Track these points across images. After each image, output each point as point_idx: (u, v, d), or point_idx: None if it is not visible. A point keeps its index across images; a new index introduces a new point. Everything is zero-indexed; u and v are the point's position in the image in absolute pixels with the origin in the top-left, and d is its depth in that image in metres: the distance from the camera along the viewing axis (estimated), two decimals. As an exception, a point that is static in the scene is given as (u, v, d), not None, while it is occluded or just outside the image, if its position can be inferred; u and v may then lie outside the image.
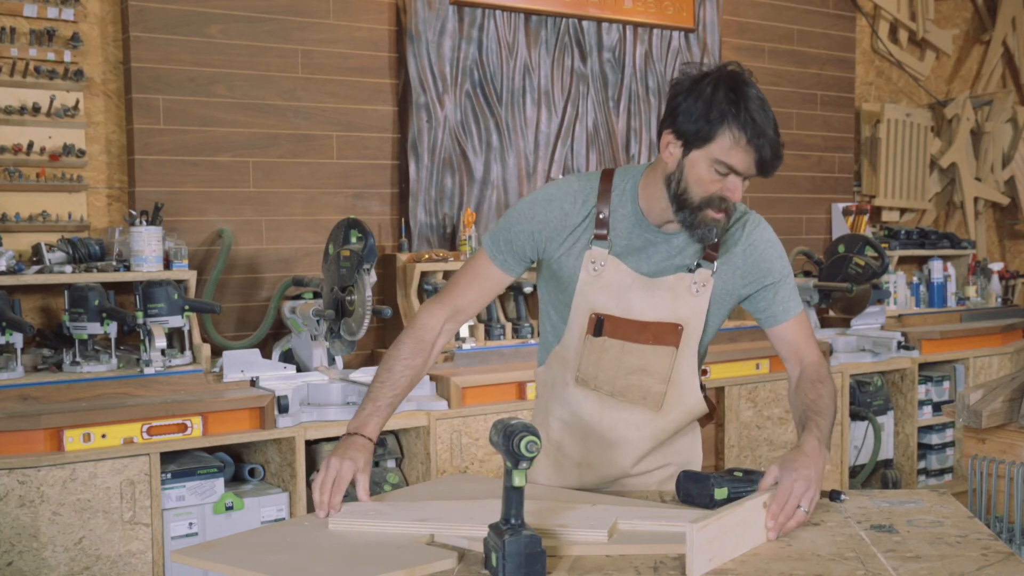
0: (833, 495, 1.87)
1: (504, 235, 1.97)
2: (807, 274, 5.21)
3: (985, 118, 6.33)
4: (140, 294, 3.34)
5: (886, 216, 6.04)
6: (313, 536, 1.65)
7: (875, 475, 4.95)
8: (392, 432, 3.64)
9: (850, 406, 4.74)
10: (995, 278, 6.00)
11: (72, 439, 2.94)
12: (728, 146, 1.76)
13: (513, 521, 1.45)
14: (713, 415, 2.11)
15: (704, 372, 3.71)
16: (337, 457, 1.79)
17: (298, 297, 3.80)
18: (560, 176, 3.58)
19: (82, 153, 3.61)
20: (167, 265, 3.54)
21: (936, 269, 5.67)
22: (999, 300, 6.02)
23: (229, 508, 3.24)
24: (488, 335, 3.99)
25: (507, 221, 1.97)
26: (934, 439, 5.19)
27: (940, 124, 6.32)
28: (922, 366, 5.10)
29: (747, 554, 1.56)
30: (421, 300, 3.98)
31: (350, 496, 1.79)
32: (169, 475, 3.13)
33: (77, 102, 3.61)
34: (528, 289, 4.04)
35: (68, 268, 3.37)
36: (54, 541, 2.89)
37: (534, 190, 2.14)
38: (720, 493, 1.79)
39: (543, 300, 2.07)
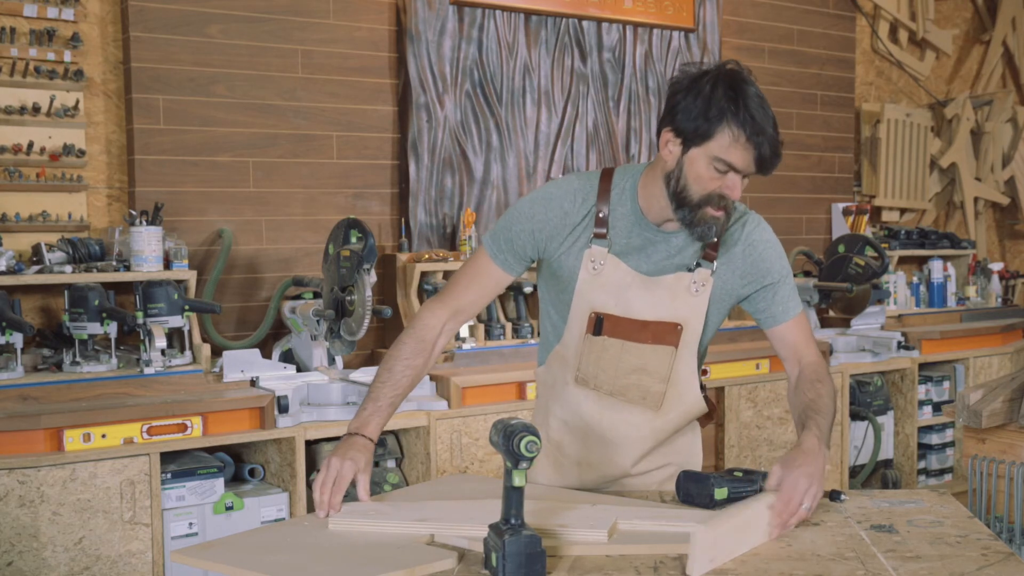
0: (833, 495, 1.87)
1: (504, 234, 1.97)
2: (807, 274, 5.21)
3: (985, 118, 6.33)
4: (140, 294, 3.34)
5: (886, 216, 6.04)
6: (313, 536, 1.65)
7: (875, 475, 4.95)
8: (392, 432, 3.64)
9: (850, 406, 4.74)
10: (995, 278, 6.00)
11: (72, 439, 2.94)
12: (727, 143, 1.77)
13: (513, 521, 1.45)
14: (713, 415, 2.11)
15: (704, 372, 3.71)
16: (338, 457, 1.79)
17: (298, 297, 3.80)
18: (560, 176, 3.58)
19: (82, 153, 3.61)
20: (167, 265, 3.54)
21: (936, 269, 5.67)
22: (999, 300, 6.02)
23: (229, 508, 3.24)
24: (488, 335, 4.00)
25: (507, 220, 1.97)
26: (934, 439, 5.19)
27: (940, 124, 6.32)
28: (922, 366, 5.10)
29: (747, 554, 1.56)
30: (421, 300, 3.98)
31: (350, 496, 1.79)
32: (169, 475, 3.13)
33: (77, 102, 3.61)
34: (528, 289, 4.04)
35: (68, 268, 3.37)
36: (54, 541, 2.89)
37: (534, 189, 2.14)
38: (720, 493, 1.79)
39: (543, 300, 2.07)
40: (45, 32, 3.55)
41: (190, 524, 3.18)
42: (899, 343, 4.91)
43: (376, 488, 3.41)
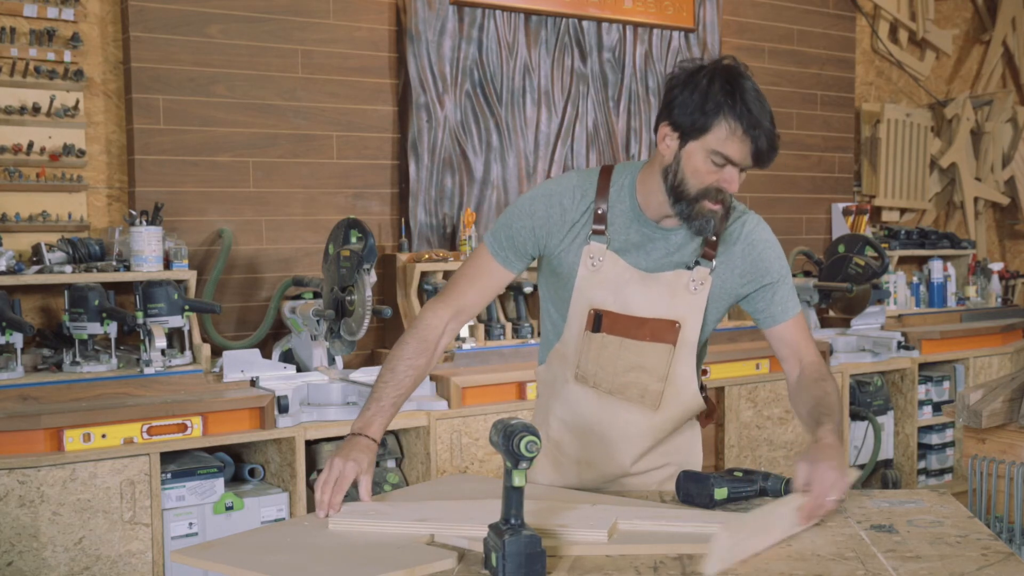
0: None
1: (505, 232, 1.97)
2: (807, 274, 5.21)
3: (985, 118, 6.33)
4: (140, 294, 3.34)
5: (886, 216, 6.04)
6: (313, 536, 1.65)
7: (875, 475, 4.95)
8: (392, 432, 3.64)
9: (850, 406, 4.74)
10: (995, 278, 6.00)
11: (72, 439, 2.94)
12: (724, 136, 1.77)
13: (513, 521, 1.45)
14: (713, 415, 2.11)
15: (704, 372, 3.71)
16: (341, 458, 1.79)
17: (298, 297, 3.80)
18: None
19: (82, 153, 3.61)
20: (167, 265, 3.54)
21: (936, 269, 5.67)
22: (999, 300, 6.02)
23: (229, 508, 3.24)
24: (488, 335, 3.99)
25: (508, 218, 1.98)
26: (934, 439, 5.19)
27: (940, 124, 6.32)
28: (922, 366, 5.10)
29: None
30: (421, 300, 3.98)
31: (351, 496, 1.79)
32: (169, 475, 3.13)
33: (77, 102, 3.61)
34: (528, 289, 4.04)
35: (68, 268, 3.37)
36: (54, 541, 2.89)
37: (534, 186, 2.14)
38: (720, 493, 1.79)
39: (544, 297, 2.07)
40: (45, 32, 3.55)
41: (190, 524, 3.18)
42: (899, 343, 4.91)
43: (376, 488, 3.39)
